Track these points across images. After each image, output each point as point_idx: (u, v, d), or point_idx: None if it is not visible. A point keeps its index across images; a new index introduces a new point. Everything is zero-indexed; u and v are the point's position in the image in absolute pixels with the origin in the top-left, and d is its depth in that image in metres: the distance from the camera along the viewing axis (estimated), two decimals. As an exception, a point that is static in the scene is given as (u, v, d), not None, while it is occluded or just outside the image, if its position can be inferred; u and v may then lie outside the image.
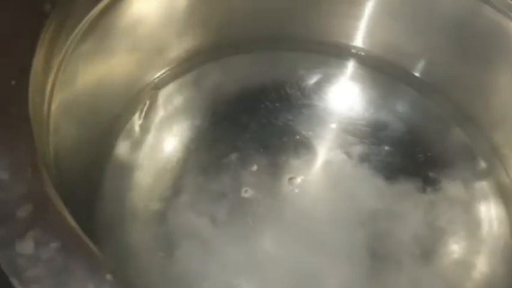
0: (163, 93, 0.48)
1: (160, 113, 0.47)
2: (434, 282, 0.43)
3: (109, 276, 0.28)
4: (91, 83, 0.41)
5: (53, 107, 0.35)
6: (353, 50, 0.52)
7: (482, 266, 0.44)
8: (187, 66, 0.49)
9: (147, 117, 0.46)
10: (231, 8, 0.48)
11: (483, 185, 0.47)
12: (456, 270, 0.44)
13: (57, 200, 0.29)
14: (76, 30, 0.37)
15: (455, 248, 0.45)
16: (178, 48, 0.48)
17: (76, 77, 0.39)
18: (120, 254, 0.41)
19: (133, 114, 0.46)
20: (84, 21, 0.37)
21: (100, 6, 0.38)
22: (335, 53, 0.51)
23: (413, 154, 0.48)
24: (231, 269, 0.41)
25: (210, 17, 0.48)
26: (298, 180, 0.46)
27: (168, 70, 0.48)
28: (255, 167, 0.45)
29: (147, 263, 0.41)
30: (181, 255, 0.42)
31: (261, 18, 0.50)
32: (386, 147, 0.48)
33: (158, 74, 0.48)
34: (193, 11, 0.47)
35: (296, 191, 0.45)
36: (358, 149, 0.48)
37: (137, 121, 0.46)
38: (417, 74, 0.51)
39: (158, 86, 0.48)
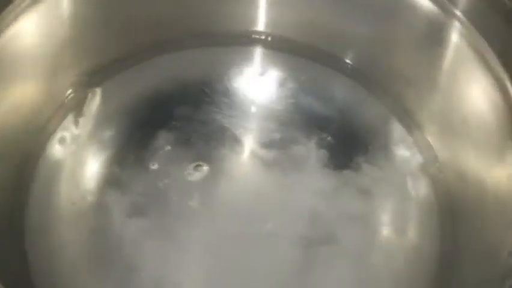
0: (89, 101, 0.48)
1: (88, 120, 0.47)
2: (367, 265, 0.44)
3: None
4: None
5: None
6: (279, 40, 0.50)
7: (411, 250, 0.44)
8: (105, 75, 0.49)
9: (75, 125, 0.47)
10: (131, 14, 0.48)
11: (419, 177, 0.46)
12: (387, 253, 0.44)
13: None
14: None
15: (388, 234, 0.45)
16: (87, 62, 0.48)
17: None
18: (52, 255, 0.43)
19: (58, 127, 0.46)
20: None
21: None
22: (253, 42, 0.50)
23: (347, 144, 0.47)
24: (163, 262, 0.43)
25: (110, 26, 0.47)
26: (205, 168, 0.46)
27: (88, 79, 0.48)
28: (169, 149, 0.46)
29: (79, 261, 0.43)
30: (113, 248, 0.43)
31: (167, 19, 0.49)
32: (320, 138, 0.47)
33: (76, 86, 0.48)
34: (87, 24, 0.46)
35: (201, 177, 0.45)
36: (288, 140, 0.47)
37: (63, 132, 0.47)
38: (349, 61, 0.49)
39: (83, 94, 0.48)
